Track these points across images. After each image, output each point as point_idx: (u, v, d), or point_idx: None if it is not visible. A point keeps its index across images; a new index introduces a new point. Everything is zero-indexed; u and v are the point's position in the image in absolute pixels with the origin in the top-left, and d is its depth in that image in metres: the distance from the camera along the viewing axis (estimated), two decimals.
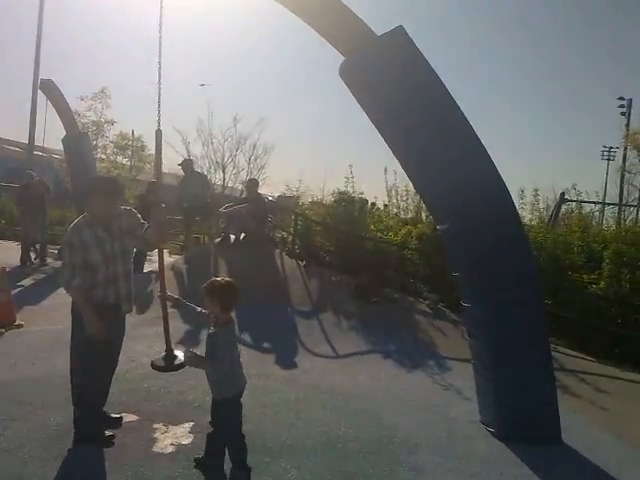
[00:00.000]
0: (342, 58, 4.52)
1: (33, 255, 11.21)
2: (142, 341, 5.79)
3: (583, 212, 11.37)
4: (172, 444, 3.72)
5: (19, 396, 4.34)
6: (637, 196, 23.05)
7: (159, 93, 3.70)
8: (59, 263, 10.99)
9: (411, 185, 10.71)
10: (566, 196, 12.59)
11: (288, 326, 7.01)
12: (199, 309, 3.44)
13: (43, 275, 10.13)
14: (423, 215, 10.79)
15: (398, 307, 7.85)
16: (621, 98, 29.74)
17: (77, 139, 11.32)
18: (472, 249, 4.39)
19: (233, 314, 3.34)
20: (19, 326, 6.46)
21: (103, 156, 21.96)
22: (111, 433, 3.72)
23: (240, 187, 23.60)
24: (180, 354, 3.63)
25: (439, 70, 4.34)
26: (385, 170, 11.84)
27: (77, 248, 3.50)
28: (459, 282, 4.69)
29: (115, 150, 22.88)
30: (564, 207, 12.71)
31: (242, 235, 9.33)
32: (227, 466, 3.35)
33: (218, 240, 9.79)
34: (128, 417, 4.06)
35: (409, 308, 7.92)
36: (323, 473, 3.48)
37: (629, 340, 7.23)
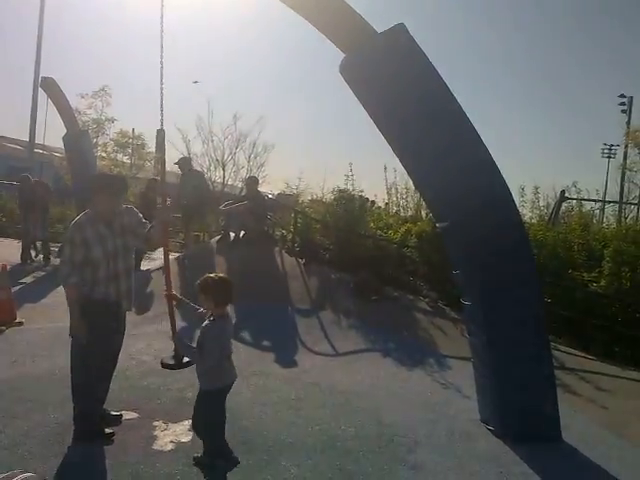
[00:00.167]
0: (342, 55, 4.51)
1: (33, 253, 11.22)
2: (142, 339, 5.79)
3: (583, 210, 11.37)
4: (172, 442, 3.73)
5: (19, 393, 4.34)
6: (638, 194, 22.98)
7: (161, 94, 3.70)
8: (59, 261, 11.00)
9: (411, 183, 10.72)
10: (566, 194, 12.60)
11: (288, 324, 7.01)
12: (200, 309, 3.45)
13: (44, 273, 10.14)
14: (423, 213, 10.78)
15: (398, 305, 7.85)
16: (622, 95, 29.66)
17: (78, 137, 11.32)
18: (472, 247, 4.38)
19: (232, 311, 3.35)
20: (20, 324, 6.47)
21: (103, 154, 21.95)
22: (111, 431, 3.72)
23: (240, 185, 23.56)
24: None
25: (439, 68, 4.34)
26: (385, 168, 11.85)
27: (78, 245, 3.51)
28: (459, 280, 4.69)
29: (115, 148, 22.87)
30: (564, 205, 12.70)
31: (242, 233, 9.33)
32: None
33: (218, 238, 9.80)
34: (128, 415, 4.06)
35: (409, 306, 7.92)
36: (323, 471, 3.48)
37: (629, 338, 7.23)
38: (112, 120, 21.91)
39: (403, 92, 4.35)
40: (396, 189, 11.91)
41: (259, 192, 9.94)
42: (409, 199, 11.78)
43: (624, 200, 22.21)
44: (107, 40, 56.86)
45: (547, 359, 4.41)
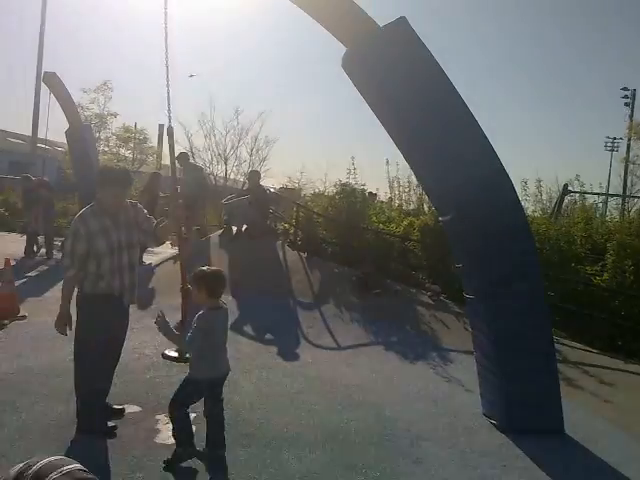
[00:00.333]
0: (344, 49, 4.48)
1: (35, 247, 11.25)
2: (145, 333, 5.80)
3: (586, 203, 11.33)
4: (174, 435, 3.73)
5: (22, 387, 4.35)
6: None
7: (168, 91, 3.71)
8: (60, 255, 11.03)
9: (413, 177, 10.71)
10: (569, 187, 12.55)
11: (290, 318, 7.01)
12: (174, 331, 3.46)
13: (47, 267, 10.16)
14: (425, 207, 10.76)
15: (400, 299, 7.84)
16: (625, 88, 29.53)
17: (80, 131, 11.32)
18: (475, 241, 4.37)
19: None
20: (23, 317, 6.48)
21: (106, 148, 21.98)
22: (114, 424, 3.73)
23: (242, 179, 23.55)
24: None
25: (441, 61, 4.31)
26: (387, 162, 11.82)
27: (82, 238, 3.50)
28: (461, 274, 4.68)
29: (118, 142, 22.91)
30: (567, 198, 12.66)
31: (244, 227, 9.33)
32: (229, 460, 3.36)
33: (220, 232, 9.80)
34: (130, 408, 4.07)
35: (411, 300, 7.91)
36: (325, 464, 3.49)
37: (633, 332, 7.21)
38: (114, 115, 21.96)
39: (405, 85, 4.32)
40: (398, 183, 11.89)
41: (261, 186, 9.93)
42: (411, 192, 11.76)
43: (627, 193, 22.15)
44: (109, 34, 56.78)
45: (550, 353, 4.41)
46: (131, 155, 24.09)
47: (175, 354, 5.18)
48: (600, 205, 13.79)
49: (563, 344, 6.75)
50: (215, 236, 9.94)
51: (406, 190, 11.85)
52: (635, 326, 7.19)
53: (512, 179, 4.43)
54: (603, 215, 12.63)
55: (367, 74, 4.47)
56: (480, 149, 4.34)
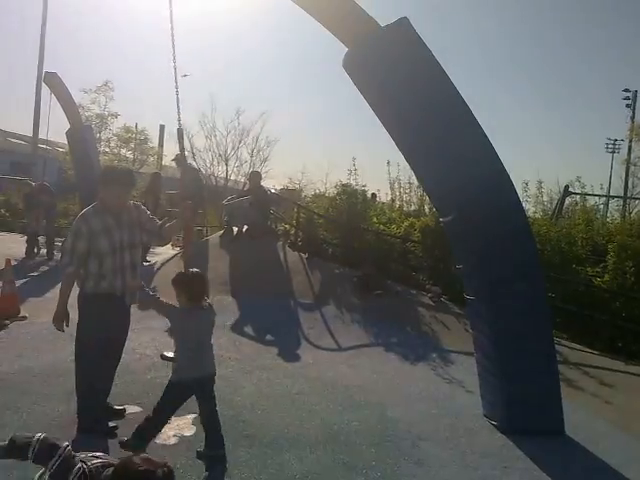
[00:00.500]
0: (345, 49, 4.48)
1: (36, 248, 11.26)
2: (146, 334, 5.80)
3: (587, 205, 11.32)
4: (175, 435, 3.73)
5: (23, 387, 4.36)
6: None
7: (177, 92, 3.72)
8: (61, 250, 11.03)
9: (414, 178, 10.71)
10: (570, 189, 12.55)
11: (291, 319, 7.01)
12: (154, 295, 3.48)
13: (47, 267, 10.17)
14: (426, 208, 10.77)
15: (401, 300, 7.84)
16: (626, 90, 29.57)
17: (81, 131, 11.33)
18: (475, 242, 4.37)
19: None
20: (23, 318, 6.48)
21: (107, 149, 21.99)
22: (114, 424, 3.73)
23: (243, 180, 23.57)
24: None
25: (441, 61, 4.31)
26: (388, 163, 11.83)
27: (83, 236, 3.51)
28: (462, 275, 4.68)
29: (118, 143, 22.91)
30: (568, 200, 12.67)
31: (245, 227, 9.33)
32: (229, 458, 3.36)
33: (221, 233, 9.80)
34: (131, 408, 4.07)
35: (412, 301, 7.91)
36: (326, 465, 3.49)
37: (633, 333, 7.21)
38: (115, 115, 21.96)
39: (406, 86, 4.33)
40: (399, 183, 11.90)
41: (262, 187, 9.93)
42: (412, 193, 11.77)
43: (628, 195, 22.15)
44: (110, 35, 56.80)
45: (551, 354, 4.40)
46: (132, 156, 24.11)
47: (173, 355, 5.18)
48: (601, 206, 13.78)
49: (564, 345, 6.74)
50: (216, 237, 9.95)
51: (407, 191, 11.86)
52: (636, 327, 7.18)
53: (513, 180, 4.43)
54: (604, 216, 12.63)
55: (368, 74, 4.47)
56: (481, 150, 4.34)
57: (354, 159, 10.33)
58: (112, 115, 21.92)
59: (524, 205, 8.65)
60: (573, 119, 66.84)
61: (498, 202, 4.34)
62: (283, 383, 4.93)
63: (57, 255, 10.91)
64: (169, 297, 3.72)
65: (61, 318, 3.61)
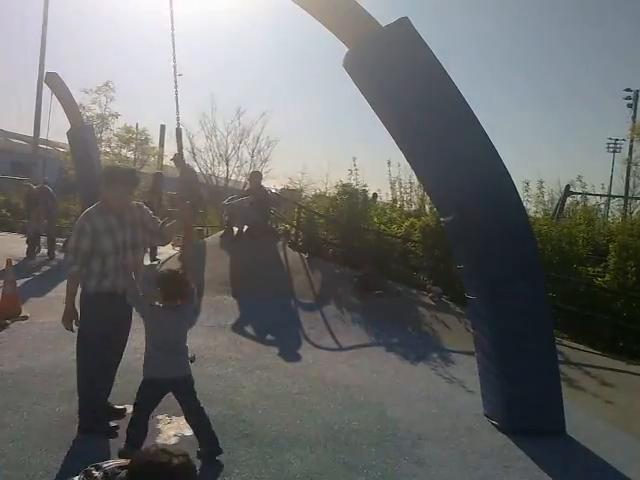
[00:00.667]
0: (346, 49, 4.48)
1: (36, 248, 11.28)
2: None
3: (588, 205, 11.32)
4: (175, 435, 3.74)
5: (24, 386, 4.36)
6: None
7: (176, 92, 3.71)
8: (62, 255, 11.06)
9: (414, 178, 10.72)
10: (571, 188, 12.54)
11: (291, 318, 7.01)
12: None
13: (49, 267, 10.18)
14: (427, 208, 10.77)
15: (401, 300, 7.84)
16: (628, 89, 29.55)
17: (82, 131, 11.34)
18: (476, 241, 4.36)
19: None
20: (24, 318, 6.49)
21: (107, 149, 22.01)
22: (115, 424, 3.74)
23: (243, 180, 23.58)
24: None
25: (443, 62, 4.31)
26: (389, 162, 11.83)
27: (87, 235, 3.51)
28: (463, 274, 4.67)
29: (119, 143, 22.93)
30: (569, 199, 12.66)
31: (245, 227, 9.33)
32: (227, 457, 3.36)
33: (221, 233, 9.81)
34: (131, 408, 4.06)
35: (412, 301, 7.91)
36: (326, 465, 3.49)
37: (635, 333, 7.20)
38: (116, 115, 21.99)
39: (406, 85, 4.32)
40: (400, 183, 11.90)
41: (262, 187, 9.93)
42: (413, 193, 11.78)
43: (629, 194, 22.12)
44: (111, 35, 56.83)
45: (552, 354, 4.40)
46: (132, 156, 24.12)
47: None
48: (602, 206, 13.77)
49: (565, 345, 6.73)
50: (216, 237, 9.96)
51: (407, 191, 11.86)
52: (637, 327, 7.18)
53: (514, 180, 4.43)
54: (605, 216, 12.64)
55: (369, 74, 4.47)
56: (482, 149, 4.34)
57: (354, 159, 10.35)
58: (113, 115, 21.96)
59: (525, 205, 8.63)
60: (574, 119, 66.87)
61: (499, 202, 4.34)
62: (283, 383, 4.93)
63: (58, 255, 10.94)
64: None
65: (70, 318, 3.61)
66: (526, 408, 4.22)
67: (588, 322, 7.52)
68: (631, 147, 23.88)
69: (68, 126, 11.31)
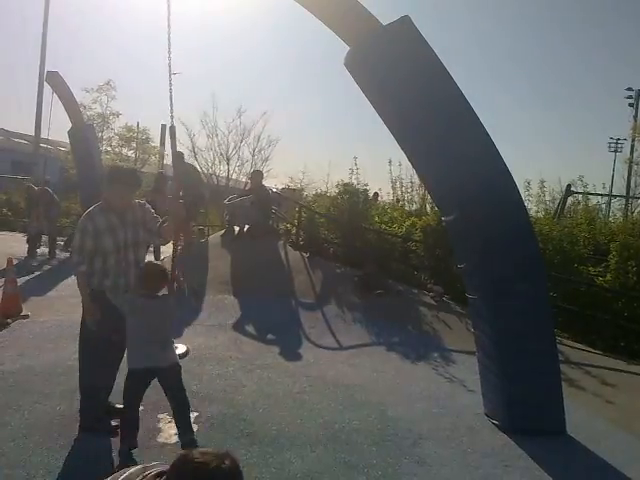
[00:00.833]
0: (347, 48, 4.48)
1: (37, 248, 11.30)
2: None
3: (590, 204, 11.31)
4: (176, 434, 3.73)
5: (25, 385, 4.37)
6: None
7: (170, 89, 3.69)
8: (65, 255, 11.07)
9: (416, 177, 10.71)
10: (572, 188, 12.53)
11: (292, 318, 7.01)
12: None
13: (49, 266, 10.19)
14: (428, 207, 10.76)
15: (402, 299, 7.84)
16: (629, 89, 29.47)
17: (83, 130, 11.35)
18: (477, 241, 4.36)
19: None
20: (25, 316, 6.49)
21: (108, 148, 22.04)
22: (116, 423, 3.73)
23: (244, 179, 23.57)
24: (180, 345, 3.66)
25: (444, 61, 4.30)
26: (390, 162, 11.83)
27: (90, 234, 3.53)
28: (464, 274, 4.67)
29: (120, 142, 22.96)
30: (570, 199, 12.64)
31: (246, 227, 9.33)
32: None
33: (222, 232, 9.81)
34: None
35: (413, 300, 7.91)
36: (327, 464, 3.49)
37: (635, 333, 7.20)
38: (117, 114, 22.01)
39: (408, 84, 4.32)
40: (401, 183, 11.89)
41: (263, 186, 9.93)
42: (414, 193, 11.77)
43: (631, 194, 22.10)
44: (112, 34, 56.85)
45: (553, 353, 4.40)
46: (133, 155, 24.15)
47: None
48: (603, 206, 13.77)
49: (565, 345, 6.73)
50: (217, 236, 9.96)
51: (409, 190, 11.86)
52: (638, 327, 7.17)
53: (515, 179, 4.42)
54: (606, 216, 12.63)
55: (370, 73, 4.47)
56: (483, 148, 4.33)
57: (355, 158, 10.35)
58: (114, 114, 21.99)
59: (526, 204, 8.62)
60: (575, 118, 66.79)
61: (500, 201, 4.34)
62: (284, 382, 4.93)
63: (59, 254, 10.96)
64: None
65: (91, 313, 3.60)
66: (527, 407, 4.22)
67: (589, 322, 7.51)
68: (632, 147, 23.90)
69: (69, 125, 11.32)
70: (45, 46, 20.99)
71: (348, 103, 59.43)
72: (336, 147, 48.61)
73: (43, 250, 11.23)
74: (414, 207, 11.53)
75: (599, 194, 12.69)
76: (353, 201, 9.42)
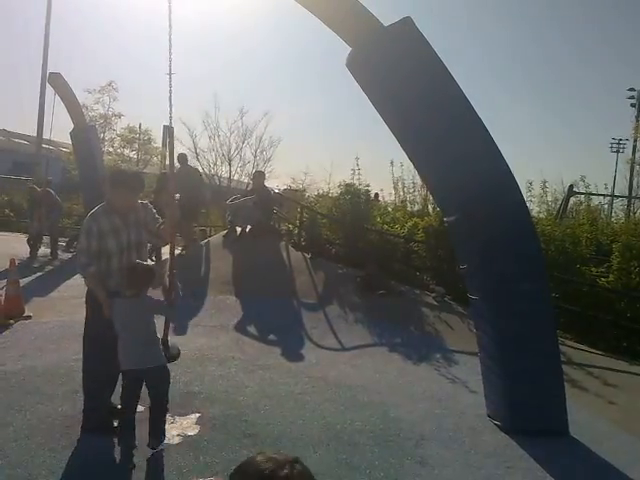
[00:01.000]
0: (349, 48, 4.48)
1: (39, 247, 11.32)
2: None
3: (592, 205, 11.29)
4: (178, 435, 3.74)
5: (27, 386, 4.37)
6: None
7: (170, 90, 3.70)
8: (67, 255, 11.10)
9: (418, 178, 10.69)
10: (574, 188, 12.50)
11: (294, 318, 7.01)
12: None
13: (51, 267, 10.21)
14: (430, 208, 10.74)
15: (404, 300, 7.83)
16: (631, 89, 29.44)
17: (85, 132, 11.36)
18: (479, 241, 4.36)
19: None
20: (27, 317, 6.50)
21: (110, 149, 22.07)
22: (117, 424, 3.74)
23: (246, 180, 23.60)
24: (172, 346, 3.66)
25: (446, 62, 4.30)
26: (392, 162, 11.80)
27: (94, 235, 3.55)
28: (466, 275, 4.66)
29: (122, 143, 22.99)
30: (573, 200, 12.62)
31: (248, 227, 9.34)
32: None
33: (224, 232, 9.81)
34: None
35: (415, 301, 7.91)
36: (329, 465, 3.49)
37: (638, 334, 7.18)
38: (119, 115, 22.05)
39: (409, 85, 4.32)
40: (403, 183, 11.86)
41: (265, 186, 9.94)
42: (416, 193, 11.74)
43: (633, 195, 22.04)
44: (114, 35, 56.84)
45: (555, 354, 4.39)
46: (136, 156, 24.18)
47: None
48: (605, 206, 13.73)
49: (567, 345, 6.72)
50: (219, 236, 9.97)
51: (410, 191, 11.83)
52: None
53: (517, 180, 4.42)
54: (608, 216, 12.59)
55: (371, 73, 4.46)
56: (484, 148, 4.33)
57: (357, 159, 10.32)
58: (116, 115, 22.03)
59: (528, 205, 8.61)
60: (577, 119, 66.58)
61: (502, 201, 4.33)
62: (286, 383, 4.93)
63: (61, 255, 10.98)
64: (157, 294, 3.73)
65: (108, 305, 3.56)
66: (529, 408, 4.21)
67: (591, 322, 7.49)
68: (634, 147, 23.86)
69: (71, 126, 11.33)
70: (47, 47, 21.04)
71: (350, 103, 59.41)
72: (338, 147, 48.56)
73: (44, 251, 11.24)
74: (416, 208, 11.50)
75: (601, 194, 12.67)
76: (355, 202, 9.41)
